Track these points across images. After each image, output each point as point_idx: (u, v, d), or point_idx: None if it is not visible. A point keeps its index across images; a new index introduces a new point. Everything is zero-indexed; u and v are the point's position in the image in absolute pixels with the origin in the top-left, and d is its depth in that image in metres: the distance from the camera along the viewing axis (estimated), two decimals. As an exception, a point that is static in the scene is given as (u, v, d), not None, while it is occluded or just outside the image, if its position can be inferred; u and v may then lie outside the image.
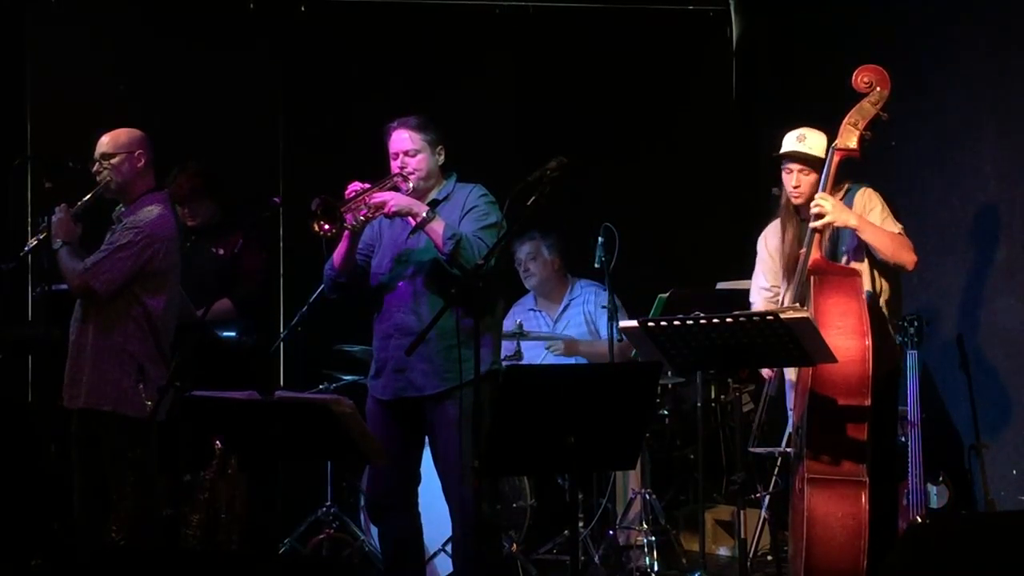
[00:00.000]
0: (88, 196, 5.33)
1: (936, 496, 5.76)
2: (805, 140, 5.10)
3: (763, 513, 6.21)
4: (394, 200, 5.00)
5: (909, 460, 5.55)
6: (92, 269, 5.19)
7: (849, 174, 5.08)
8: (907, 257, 5.01)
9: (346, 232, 5.02)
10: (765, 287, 5.32)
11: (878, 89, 4.98)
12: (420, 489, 5.22)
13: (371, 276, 5.21)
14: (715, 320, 4.49)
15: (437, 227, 4.96)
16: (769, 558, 6.30)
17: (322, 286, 5.40)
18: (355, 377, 6.45)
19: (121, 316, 5.23)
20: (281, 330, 7.13)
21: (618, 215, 6.50)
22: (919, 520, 5.48)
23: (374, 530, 5.77)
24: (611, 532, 6.44)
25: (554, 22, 7.88)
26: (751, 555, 5.98)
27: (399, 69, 7.63)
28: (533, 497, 6.30)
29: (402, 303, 5.10)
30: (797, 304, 4.91)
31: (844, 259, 5.07)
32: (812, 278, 4.90)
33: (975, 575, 3.80)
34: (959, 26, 6.23)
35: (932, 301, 6.22)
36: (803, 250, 5.01)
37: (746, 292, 5.50)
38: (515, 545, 6.19)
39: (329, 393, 6.25)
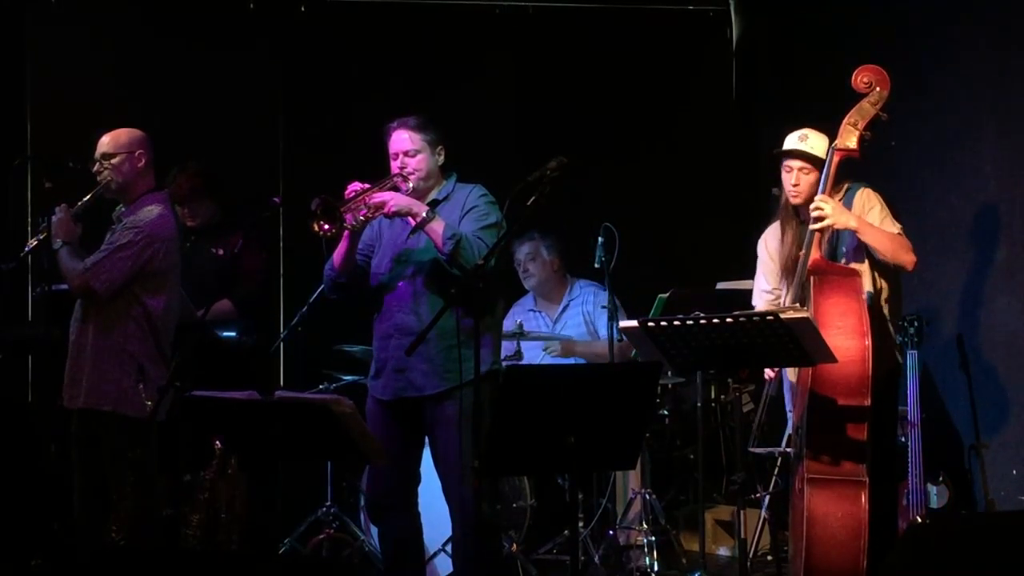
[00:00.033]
0: (88, 196, 5.33)
1: (936, 496, 5.76)
2: (807, 140, 5.11)
3: (763, 513, 6.21)
4: (394, 200, 5.00)
5: (909, 460, 5.56)
6: (92, 269, 5.19)
7: (849, 174, 5.09)
8: (906, 257, 5.01)
9: (346, 232, 5.02)
10: (767, 289, 5.31)
11: (878, 89, 4.98)
12: (420, 489, 5.22)
13: (371, 276, 5.21)
14: (715, 320, 4.49)
15: (437, 227, 4.96)
16: (769, 558, 6.30)
17: (322, 286, 5.40)
18: (355, 377, 6.45)
19: (121, 316, 5.23)
20: (281, 330, 7.13)
21: (618, 215, 6.50)
22: (919, 520, 5.48)
23: (374, 530, 5.77)
24: (611, 532, 6.44)
25: (554, 22, 7.88)
26: (751, 555, 5.98)
27: (399, 69, 7.63)
28: (533, 497, 6.30)
29: (402, 303, 5.10)
30: (797, 304, 4.91)
31: (844, 260, 5.07)
32: (812, 278, 4.90)
33: (975, 575, 3.80)
34: (959, 26, 6.23)
35: (932, 301, 6.22)
36: (803, 251, 5.01)
37: (746, 292, 5.50)
38: (515, 545, 6.19)
39: (329, 393, 6.25)
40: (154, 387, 5.11)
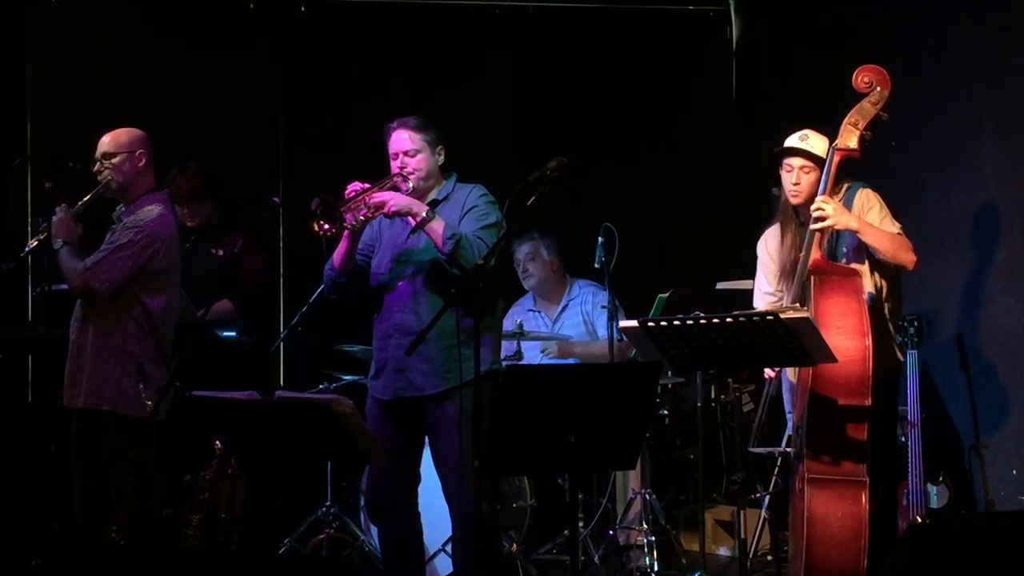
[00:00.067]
0: (88, 196, 5.34)
1: (936, 496, 5.76)
2: (807, 139, 5.11)
3: (763, 513, 6.21)
4: (394, 200, 5.00)
5: (909, 460, 5.56)
6: (92, 269, 5.19)
7: (849, 174, 5.09)
8: (907, 257, 5.01)
9: (346, 232, 5.02)
10: (768, 291, 5.30)
11: (878, 89, 4.98)
12: (420, 489, 5.22)
13: (371, 276, 5.21)
14: (715, 320, 4.49)
15: (437, 227, 4.96)
16: (769, 558, 6.30)
17: (322, 286, 5.40)
18: (355, 377, 6.45)
19: (121, 316, 5.23)
20: (281, 330, 7.13)
21: (618, 215, 6.50)
22: (919, 520, 5.48)
23: (374, 530, 5.77)
24: (611, 532, 6.44)
25: (554, 22, 7.89)
26: (751, 555, 5.98)
27: (399, 69, 7.63)
28: (533, 497, 6.30)
29: (402, 303, 5.10)
30: (797, 304, 4.91)
31: (844, 260, 5.07)
32: (812, 278, 4.90)
33: (975, 575, 3.80)
34: (959, 26, 6.23)
35: (932, 301, 6.22)
36: (803, 251, 5.01)
37: (746, 292, 5.50)
38: (515, 545, 6.19)
39: (329, 393, 6.25)
40: (154, 387, 5.11)
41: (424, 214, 4.97)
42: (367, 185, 5.04)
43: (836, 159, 4.97)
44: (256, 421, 4.44)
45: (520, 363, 6.44)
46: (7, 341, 6.26)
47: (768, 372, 5.19)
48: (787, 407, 5.29)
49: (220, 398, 4.48)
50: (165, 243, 5.29)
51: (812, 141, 5.11)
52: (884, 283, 5.10)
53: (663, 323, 4.61)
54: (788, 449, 5.19)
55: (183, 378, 4.86)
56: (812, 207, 4.97)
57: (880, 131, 5.02)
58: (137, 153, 5.34)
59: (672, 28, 7.98)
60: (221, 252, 6.41)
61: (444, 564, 5.97)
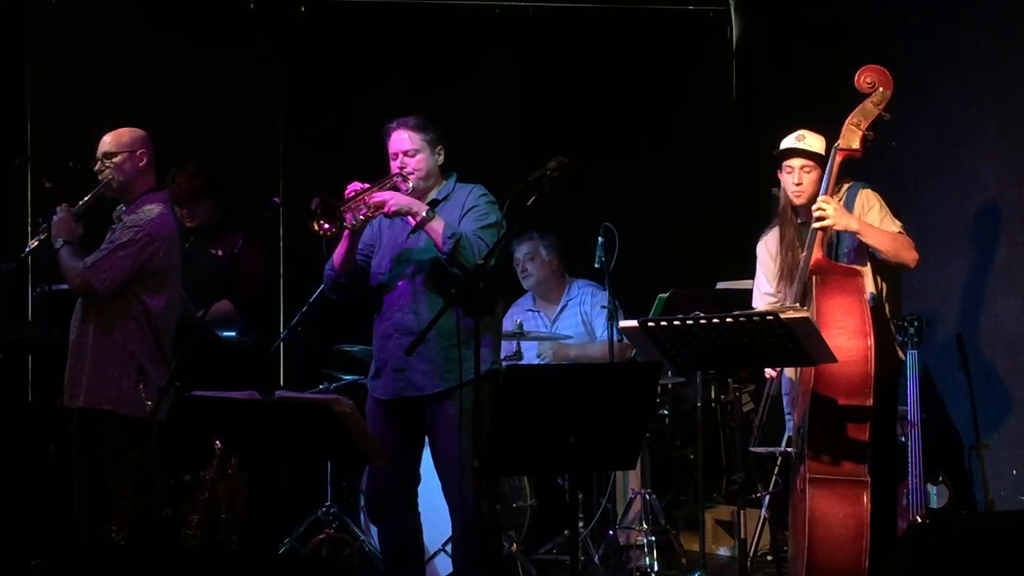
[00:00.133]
0: (89, 195, 5.34)
1: (936, 496, 5.76)
2: (805, 139, 5.12)
3: (763, 513, 6.21)
4: (394, 199, 5.01)
5: (909, 460, 5.55)
6: (92, 268, 5.19)
7: (849, 174, 5.09)
8: (908, 255, 5.02)
9: (346, 232, 5.02)
10: (768, 292, 5.31)
11: (881, 89, 4.98)
12: (420, 489, 5.22)
13: (371, 276, 5.21)
14: (715, 320, 4.49)
15: (437, 226, 4.96)
16: (769, 558, 6.30)
17: (322, 286, 5.40)
18: (355, 377, 6.45)
19: (121, 315, 5.23)
20: (281, 330, 7.14)
21: (618, 215, 6.50)
22: (919, 520, 5.48)
23: (374, 530, 5.77)
24: (611, 532, 6.44)
25: (554, 22, 7.89)
26: (751, 555, 5.98)
27: (399, 69, 7.63)
28: (533, 497, 6.30)
29: (402, 303, 5.10)
30: (797, 304, 4.91)
31: (844, 260, 5.06)
32: (814, 278, 4.90)
33: (975, 575, 3.80)
34: (959, 26, 6.23)
35: (932, 301, 6.22)
36: (804, 252, 5.01)
37: (746, 292, 5.50)
38: (515, 545, 6.19)
39: (329, 393, 6.25)
40: (154, 387, 5.11)
41: (424, 214, 4.97)
42: (367, 185, 5.04)
43: (838, 159, 4.97)
44: (256, 421, 4.44)
45: (520, 363, 6.44)
46: (7, 341, 6.26)
47: (769, 372, 5.20)
48: (786, 407, 5.29)
49: (220, 398, 4.48)
50: (165, 243, 5.29)
51: (809, 140, 5.11)
52: (884, 283, 5.10)
53: (663, 323, 4.61)
54: (789, 449, 5.19)
55: (183, 378, 4.86)
56: (813, 207, 4.97)
57: (880, 131, 5.02)
58: (138, 153, 5.34)
59: (672, 28, 7.98)
60: (221, 252, 6.40)
61: (444, 564, 5.97)
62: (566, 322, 6.94)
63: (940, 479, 5.77)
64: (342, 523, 6.51)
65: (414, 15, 7.76)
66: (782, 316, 4.45)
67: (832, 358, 4.62)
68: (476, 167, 5.33)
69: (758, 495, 5.97)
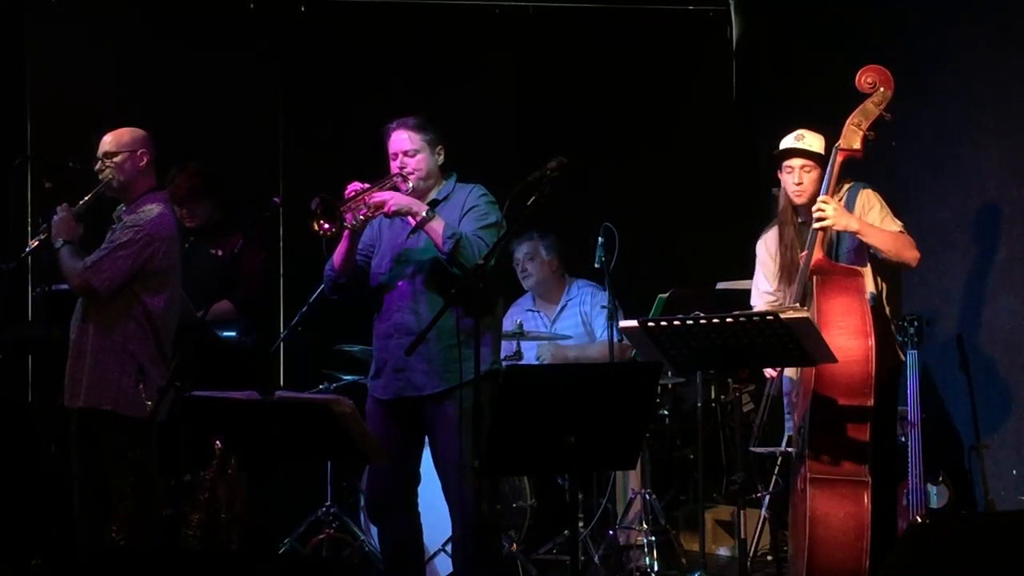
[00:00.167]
0: (89, 195, 5.34)
1: (936, 496, 5.76)
2: (804, 139, 5.12)
3: (763, 513, 6.21)
4: (394, 199, 5.01)
5: (909, 460, 5.55)
6: (92, 268, 5.19)
7: (850, 173, 5.09)
8: (910, 254, 5.02)
9: (346, 232, 5.02)
10: (768, 291, 5.31)
11: (881, 90, 4.99)
12: (420, 489, 5.22)
13: (371, 276, 5.21)
14: (715, 320, 4.49)
15: (437, 226, 4.96)
16: (769, 558, 6.30)
17: (322, 286, 5.40)
18: (355, 377, 6.45)
19: (122, 315, 5.23)
20: (281, 330, 7.14)
21: (618, 215, 6.50)
22: (919, 520, 5.48)
23: (374, 530, 5.77)
24: (611, 532, 6.44)
25: (554, 22, 7.89)
26: (751, 555, 5.98)
27: (399, 69, 7.63)
28: (533, 497, 6.30)
29: (402, 303, 5.10)
30: (797, 304, 4.91)
31: (844, 260, 5.06)
32: (815, 278, 4.90)
33: (975, 575, 3.80)
34: (959, 26, 6.23)
35: (932, 301, 6.22)
36: (804, 252, 5.01)
37: (746, 292, 5.49)
38: (515, 545, 6.19)
39: (329, 393, 6.25)
40: (154, 387, 5.11)
41: (424, 214, 4.97)
42: (367, 185, 5.04)
43: (839, 159, 4.97)
44: (256, 421, 4.43)
45: (520, 363, 6.44)
46: (7, 341, 6.26)
47: (769, 372, 5.20)
48: (787, 407, 5.28)
49: (220, 398, 4.48)
50: (165, 243, 5.29)
51: (809, 140, 5.11)
52: (883, 283, 5.10)
53: (663, 323, 4.61)
54: (789, 449, 5.19)
55: (183, 378, 4.86)
56: (813, 208, 4.97)
57: (880, 131, 5.02)
58: (139, 152, 5.34)
59: (672, 28, 7.98)
60: (221, 252, 6.40)
61: (444, 564, 5.97)
62: (566, 322, 6.94)
63: (940, 479, 5.77)
64: (342, 523, 6.51)
65: (414, 15, 7.76)
66: (782, 316, 4.45)
67: (832, 358, 4.62)
68: (476, 167, 5.33)
69: (758, 495, 5.97)
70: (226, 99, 7.45)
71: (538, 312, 7.03)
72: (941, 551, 3.82)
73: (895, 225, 5.05)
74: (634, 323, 4.65)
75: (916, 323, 5.57)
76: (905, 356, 5.49)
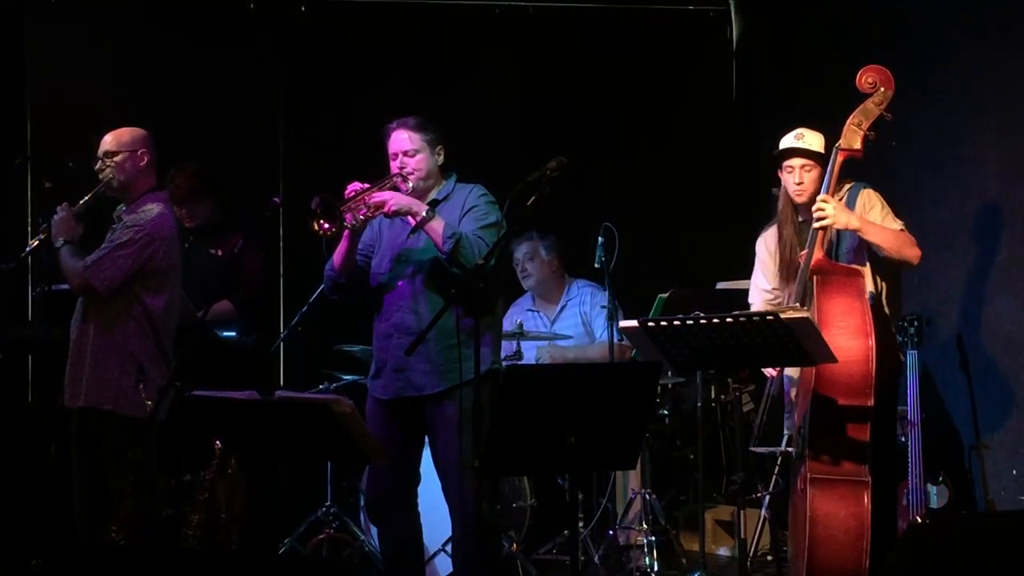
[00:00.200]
0: (89, 195, 5.34)
1: (936, 496, 5.76)
2: (803, 138, 5.12)
3: (763, 513, 6.21)
4: (394, 199, 5.01)
5: (909, 460, 5.55)
6: (92, 267, 5.19)
7: (850, 173, 5.09)
8: (911, 252, 5.01)
9: (346, 232, 5.02)
10: (766, 289, 5.31)
11: (882, 90, 4.99)
12: (420, 489, 5.22)
13: (371, 276, 5.21)
14: (715, 320, 4.49)
15: (437, 226, 4.96)
16: (769, 558, 6.30)
17: (322, 286, 5.40)
18: (355, 377, 6.45)
19: (122, 315, 5.23)
20: (281, 330, 7.14)
21: (618, 215, 6.50)
22: (919, 520, 5.48)
23: (374, 530, 5.77)
24: (611, 532, 6.44)
25: (554, 22, 7.89)
26: (751, 555, 5.98)
27: (399, 69, 7.63)
28: (533, 497, 6.30)
29: (402, 303, 5.10)
30: (797, 304, 4.91)
31: (844, 260, 5.06)
32: (815, 278, 4.90)
33: (975, 575, 3.80)
34: (959, 26, 6.23)
35: (932, 301, 6.22)
36: (804, 251, 5.01)
37: (746, 292, 5.49)
38: (515, 545, 6.19)
39: (329, 393, 6.25)
40: (154, 387, 5.11)
41: (424, 213, 4.97)
42: (367, 185, 5.04)
43: (839, 159, 4.97)
44: (256, 421, 4.43)
45: (520, 363, 6.44)
46: (7, 341, 6.26)
47: (769, 371, 5.20)
48: (787, 407, 5.28)
49: (220, 398, 4.48)
50: (165, 242, 5.29)
51: (808, 139, 5.12)
52: (883, 283, 5.10)
53: (663, 323, 4.61)
54: (789, 449, 5.19)
55: (183, 378, 4.86)
56: (813, 207, 4.97)
57: (880, 131, 5.02)
58: (139, 152, 5.35)
59: (672, 28, 7.98)
60: (220, 252, 6.40)
61: (444, 564, 5.97)
62: (565, 322, 6.94)
63: (940, 479, 5.77)
64: (342, 523, 6.51)
65: (414, 15, 7.76)
66: (782, 316, 4.45)
67: (832, 358, 4.62)
68: (476, 167, 5.33)
69: (758, 495, 5.97)
70: (226, 99, 7.45)
71: (538, 312, 7.03)
72: (941, 551, 3.82)
73: (896, 224, 5.05)
74: (634, 323, 4.64)
75: (916, 323, 5.57)
76: (905, 357, 5.49)
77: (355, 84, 7.60)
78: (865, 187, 5.11)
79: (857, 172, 5.12)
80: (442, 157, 5.19)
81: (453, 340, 4.99)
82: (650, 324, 4.63)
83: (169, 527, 5.28)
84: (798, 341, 4.50)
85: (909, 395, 5.54)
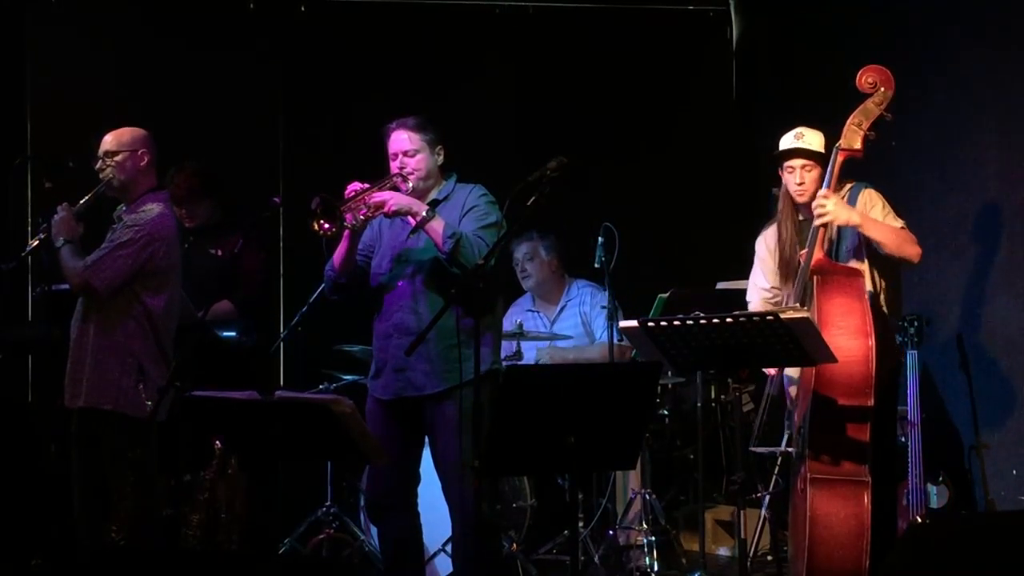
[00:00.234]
0: (90, 195, 5.34)
1: (936, 496, 5.76)
2: (803, 138, 5.12)
3: (763, 513, 6.21)
4: (394, 199, 5.01)
5: (909, 460, 5.55)
6: (92, 267, 5.19)
7: (850, 173, 5.09)
8: (912, 250, 5.01)
9: (346, 232, 5.02)
10: (765, 287, 5.31)
11: (882, 90, 4.98)
12: (420, 489, 5.22)
13: (371, 276, 5.21)
14: (715, 320, 4.49)
15: (437, 226, 4.96)
16: (769, 558, 6.30)
17: (322, 286, 5.40)
18: (355, 377, 6.45)
19: (122, 315, 5.23)
20: (281, 330, 7.14)
21: (618, 215, 6.50)
22: (919, 520, 5.48)
23: (374, 530, 5.77)
24: (611, 532, 6.44)
25: (554, 22, 7.89)
26: (751, 555, 5.98)
27: (399, 69, 7.63)
28: (533, 497, 6.30)
29: (402, 303, 5.10)
30: (797, 304, 4.91)
31: (845, 260, 5.06)
32: (815, 278, 4.90)
33: (975, 575, 3.80)
34: (959, 26, 6.23)
35: (932, 301, 6.22)
36: (805, 250, 5.02)
37: (746, 292, 5.49)
38: (515, 545, 6.19)
39: (329, 393, 6.25)
40: (154, 387, 5.11)
41: (424, 213, 4.97)
42: (367, 185, 5.04)
43: (839, 159, 4.97)
44: (256, 421, 4.43)
45: (520, 363, 6.44)
46: (7, 341, 6.25)
47: (769, 369, 5.19)
48: (788, 404, 5.28)
49: (220, 398, 4.48)
50: (165, 242, 5.29)
51: (808, 138, 5.11)
52: (883, 282, 5.10)
53: (663, 323, 4.61)
54: (789, 449, 5.19)
55: (183, 378, 4.86)
56: (814, 203, 4.97)
57: (881, 131, 5.02)
58: (139, 152, 5.35)
59: (672, 28, 7.98)
60: (220, 252, 6.40)
61: (444, 564, 5.97)
62: (565, 323, 6.94)
63: (940, 479, 5.77)
64: (342, 523, 6.51)
65: (414, 15, 7.76)
66: (782, 316, 4.45)
67: (832, 358, 4.62)
68: (476, 167, 5.33)
69: (758, 495, 5.97)
70: (226, 99, 7.45)
71: (538, 312, 7.03)
72: (941, 551, 3.82)
73: (897, 223, 5.05)
74: (634, 323, 4.64)
75: (916, 323, 5.57)
76: (905, 357, 5.49)
77: (355, 84, 7.60)
78: (866, 187, 5.11)
79: (857, 172, 5.12)
80: (442, 157, 5.19)
81: (453, 340, 4.99)
82: (650, 324, 4.63)
83: (169, 527, 5.28)
84: (798, 341, 4.50)
85: (909, 395, 5.54)
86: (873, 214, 5.04)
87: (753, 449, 5.29)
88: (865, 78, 5.00)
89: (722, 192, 7.80)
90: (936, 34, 6.36)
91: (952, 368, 6.12)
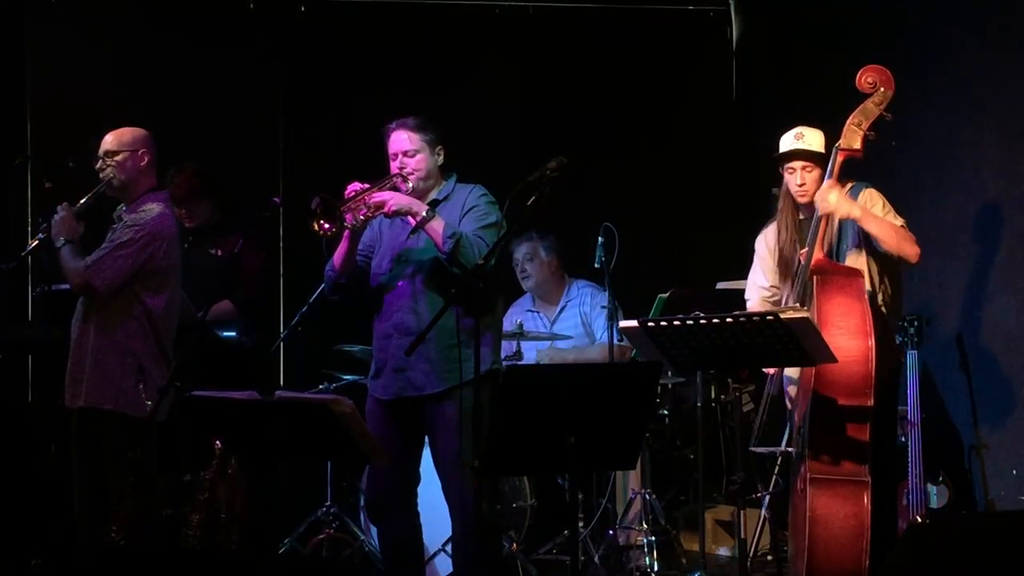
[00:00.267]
0: (90, 194, 5.34)
1: (936, 496, 5.76)
2: (804, 138, 5.12)
3: (763, 513, 6.21)
4: (394, 199, 5.01)
5: (909, 460, 5.55)
6: (92, 267, 5.20)
7: (850, 173, 5.09)
8: (910, 249, 5.01)
9: (346, 232, 5.02)
10: (764, 286, 5.32)
11: (882, 90, 4.99)
12: (420, 489, 5.22)
13: (371, 276, 5.21)
14: (715, 320, 4.49)
15: (437, 226, 4.97)
16: (769, 558, 6.30)
17: (322, 286, 5.40)
18: (355, 377, 6.45)
19: (122, 315, 5.23)
20: (281, 330, 7.14)
21: (618, 215, 6.50)
22: (919, 520, 5.48)
23: (374, 530, 5.77)
24: (611, 532, 6.44)
25: (554, 22, 7.89)
26: (751, 555, 5.98)
27: (399, 69, 7.63)
28: (533, 497, 6.30)
29: (402, 303, 5.10)
30: (797, 304, 4.91)
31: (845, 258, 5.06)
32: (815, 278, 4.90)
33: (975, 575, 3.80)
34: (959, 26, 6.23)
35: (932, 301, 6.22)
36: (805, 249, 5.02)
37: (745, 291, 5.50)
38: (515, 545, 6.19)
39: (329, 393, 6.25)
40: (154, 387, 5.11)
41: (424, 213, 4.97)
42: (367, 185, 5.04)
43: (839, 159, 4.97)
44: (256, 421, 4.43)
45: (520, 363, 6.44)
46: (7, 341, 6.25)
47: (769, 368, 5.19)
48: (789, 403, 5.28)
49: (220, 398, 4.48)
50: (165, 242, 5.29)
51: (809, 138, 5.12)
52: (883, 281, 5.10)
53: (663, 323, 4.61)
54: (789, 449, 5.19)
55: (183, 378, 4.86)
56: (816, 195, 4.97)
57: (881, 131, 5.02)
58: (140, 152, 5.35)
59: (672, 28, 7.98)
60: (220, 252, 6.40)
61: (444, 564, 5.97)
62: (565, 323, 6.94)
63: (940, 479, 5.77)
64: (342, 523, 6.51)
65: (414, 15, 7.76)
66: (782, 316, 4.45)
67: (832, 358, 4.62)
68: (476, 167, 5.33)
69: (758, 495, 5.97)
70: (226, 99, 7.45)
71: (538, 313, 7.03)
72: (941, 551, 3.82)
73: (897, 221, 5.05)
74: (634, 323, 4.65)
75: (916, 323, 5.57)
76: (905, 358, 5.49)
77: (355, 84, 7.60)
78: (867, 186, 5.12)
79: (857, 172, 5.12)
80: (442, 157, 5.19)
81: (453, 340, 4.99)
82: (650, 324, 4.63)
83: (169, 527, 5.28)
84: (798, 341, 4.50)
85: (909, 395, 5.54)
86: (874, 211, 5.04)
87: (753, 449, 5.29)
88: (865, 78, 5.00)
89: (722, 192, 7.80)
90: (936, 34, 6.36)
91: (952, 368, 6.12)
